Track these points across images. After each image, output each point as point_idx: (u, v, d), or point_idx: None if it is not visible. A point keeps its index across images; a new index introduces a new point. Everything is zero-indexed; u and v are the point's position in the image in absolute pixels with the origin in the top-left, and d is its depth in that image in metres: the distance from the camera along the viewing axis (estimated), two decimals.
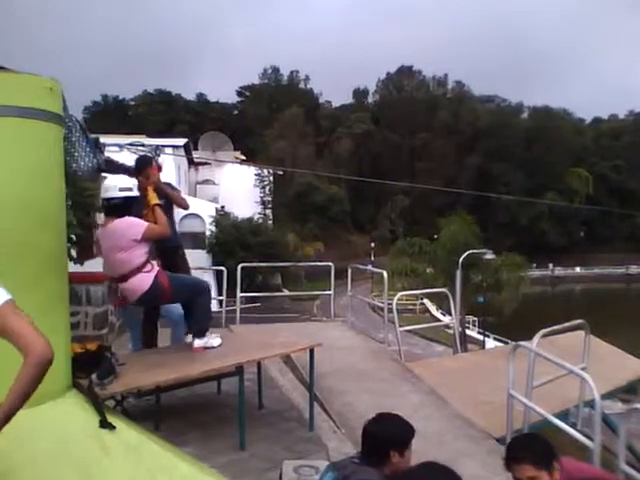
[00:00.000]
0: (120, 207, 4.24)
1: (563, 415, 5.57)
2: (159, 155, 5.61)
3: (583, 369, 5.11)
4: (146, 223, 4.33)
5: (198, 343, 4.50)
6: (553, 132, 74.03)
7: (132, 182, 4.42)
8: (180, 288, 4.53)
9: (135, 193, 4.36)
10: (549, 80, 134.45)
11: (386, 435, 2.58)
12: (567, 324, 6.08)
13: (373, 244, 52.84)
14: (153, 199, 4.63)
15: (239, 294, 9.47)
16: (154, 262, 4.40)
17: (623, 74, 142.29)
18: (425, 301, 32.86)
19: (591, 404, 4.75)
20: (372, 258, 46.01)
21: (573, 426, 5.05)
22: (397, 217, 67.37)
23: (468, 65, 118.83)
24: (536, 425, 5.05)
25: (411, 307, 32.09)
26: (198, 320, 4.64)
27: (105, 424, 2.46)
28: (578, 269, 68.29)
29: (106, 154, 4.86)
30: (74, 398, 2.61)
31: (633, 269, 68.00)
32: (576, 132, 79.72)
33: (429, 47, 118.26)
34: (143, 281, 4.24)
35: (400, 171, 68.21)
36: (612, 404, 7.88)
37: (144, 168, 5.04)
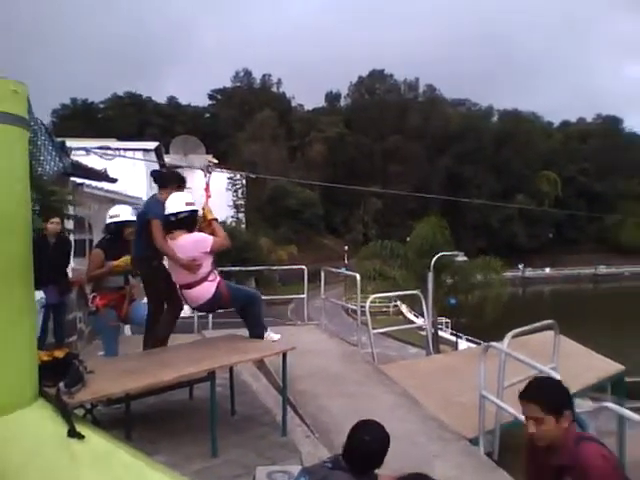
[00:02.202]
0: (187, 220, 4.68)
1: None
2: (211, 173, 5.81)
3: (553, 368, 5.18)
4: (212, 237, 4.74)
5: None
6: (522, 135, 75.34)
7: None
8: (236, 297, 4.94)
9: (198, 207, 4.83)
10: (518, 84, 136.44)
11: (383, 448, 2.65)
12: (537, 324, 6.16)
13: (347, 247, 52.95)
14: (209, 214, 5.02)
15: None
16: (215, 272, 4.79)
17: (591, 78, 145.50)
18: (398, 303, 33.01)
19: None
20: (346, 261, 46.12)
21: None
22: (370, 220, 67.67)
23: (439, 69, 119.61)
24: (507, 425, 5.11)
25: (385, 309, 32.27)
26: (252, 327, 5.08)
27: (74, 433, 2.41)
28: (548, 270, 69.39)
29: (73, 158, 4.81)
30: (41, 407, 2.54)
31: (601, 269, 69.37)
32: (545, 135, 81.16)
33: (400, 51, 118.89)
34: (207, 290, 4.68)
35: (373, 174, 68.71)
36: (583, 402, 8.01)
37: (183, 184, 5.23)
